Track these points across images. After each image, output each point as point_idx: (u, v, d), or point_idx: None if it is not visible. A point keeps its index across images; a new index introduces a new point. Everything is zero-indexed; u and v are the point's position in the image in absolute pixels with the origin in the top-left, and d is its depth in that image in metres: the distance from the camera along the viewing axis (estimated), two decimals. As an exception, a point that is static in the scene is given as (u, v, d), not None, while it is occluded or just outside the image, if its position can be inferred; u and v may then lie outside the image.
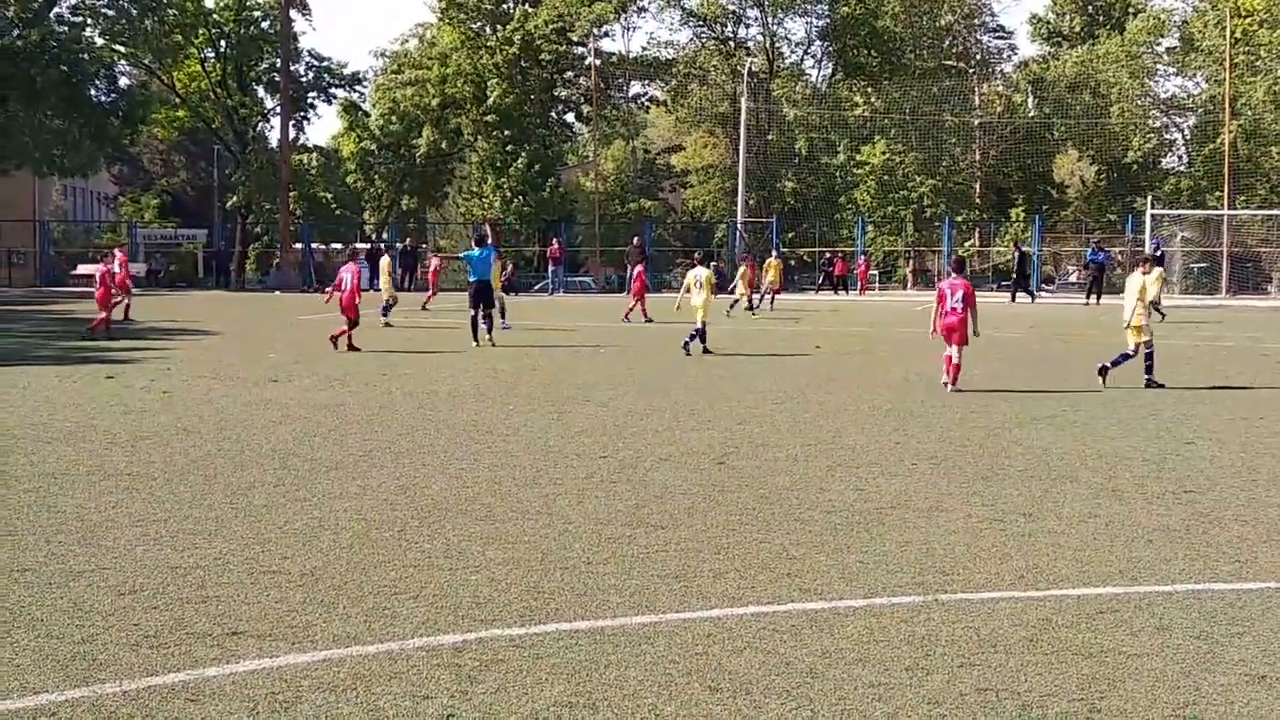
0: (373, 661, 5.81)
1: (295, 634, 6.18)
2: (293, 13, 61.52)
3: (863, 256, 59.19)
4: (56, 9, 57.32)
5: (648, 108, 77.14)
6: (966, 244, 66.55)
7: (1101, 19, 71.41)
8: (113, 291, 26.86)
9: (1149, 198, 53.49)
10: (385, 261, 31.45)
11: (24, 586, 6.96)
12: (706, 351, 22.02)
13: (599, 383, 17.60)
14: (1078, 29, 71.86)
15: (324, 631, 6.23)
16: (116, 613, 6.48)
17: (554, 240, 55.28)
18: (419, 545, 8.00)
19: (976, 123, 68.47)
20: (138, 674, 5.59)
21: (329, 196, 68.58)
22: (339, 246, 68.48)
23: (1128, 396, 16.35)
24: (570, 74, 69.26)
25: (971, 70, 71.24)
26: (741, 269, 37.18)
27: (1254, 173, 62.97)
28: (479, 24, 67.60)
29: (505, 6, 67.73)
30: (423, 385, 17.02)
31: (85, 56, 55.64)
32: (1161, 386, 16.90)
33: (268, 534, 8.24)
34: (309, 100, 68.64)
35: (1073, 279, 65.36)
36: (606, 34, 69.37)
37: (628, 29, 78.88)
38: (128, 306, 30.20)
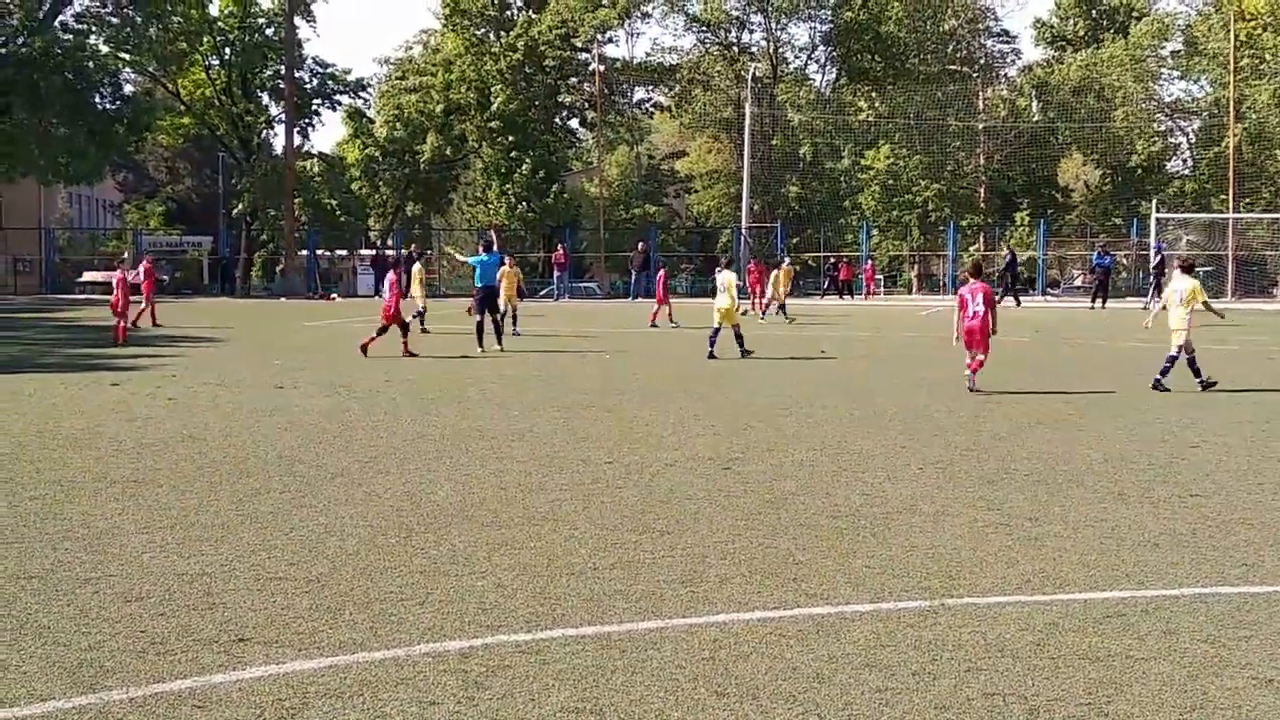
0: (379, 668, 5.81)
1: (302, 640, 6.18)
2: (297, 19, 61.62)
3: (870, 261, 59.14)
4: (61, 17, 57.47)
5: (652, 113, 77.26)
6: (971, 248, 66.53)
7: (1105, 23, 71.45)
8: (129, 298, 27.04)
9: (1154, 201, 53.49)
10: (418, 268, 31.27)
11: (30, 593, 6.96)
12: (746, 354, 22.10)
13: (604, 388, 17.60)
14: (1082, 33, 71.90)
15: (330, 638, 6.23)
16: (123, 619, 6.48)
17: (559, 246, 55.34)
18: (425, 551, 8.00)
19: (981, 127, 68.45)
20: (144, 681, 5.59)
21: (334, 203, 68.70)
22: (344, 253, 68.68)
23: (1134, 401, 16.33)
24: (574, 80, 69.37)
25: (975, 75, 71.23)
26: (775, 273, 36.94)
27: (1258, 176, 62.95)
28: (483, 30, 67.76)
29: (509, 13, 67.87)
30: (428, 391, 17.03)
31: (90, 64, 55.76)
32: (1167, 390, 16.86)
33: (274, 540, 8.25)
34: (313, 107, 68.75)
35: (1078, 283, 65.33)
36: (610, 40, 69.57)
37: (631, 35, 79.44)
38: (154, 312, 31.85)
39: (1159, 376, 17.09)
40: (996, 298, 17.37)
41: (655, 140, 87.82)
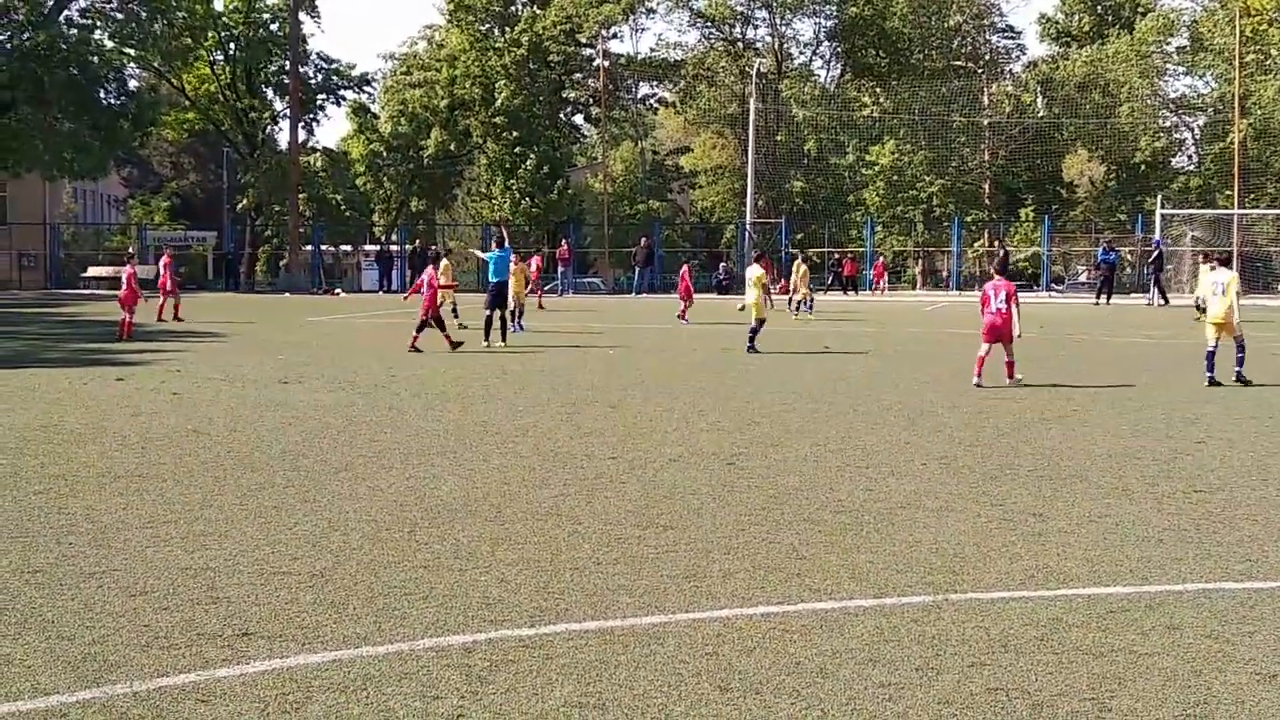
0: (382, 662, 5.82)
1: (305, 635, 6.19)
2: (301, 15, 61.59)
3: (879, 258, 58.98)
4: (66, 12, 57.46)
5: (656, 109, 77.20)
6: (976, 244, 66.49)
7: (1110, 19, 71.34)
8: (138, 293, 27.04)
9: (1159, 197, 53.39)
10: (445, 264, 31.16)
11: (35, 587, 6.98)
12: (752, 350, 22.16)
13: (609, 384, 17.60)
14: (1087, 29, 71.77)
15: (334, 632, 6.24)
16: (127, 614, 6.50)
17: (563, 241, 55.29)
18: (428, 546, 8.01)
19: (985, 123, 68.38)
20: (148, 675, 5.61)
21: (338, 199, 68.72)
22: (348, 248, 68.71)
23: (1138, 396, 16.32)
24: (579, 75, 69.34)
25: (980, 70, 71.14)
26: (802, 269, 36.30)
27: (1264, 172, 62.84)
28: (487, 26, 67.75)
29: (513, 8, 67.84)
30: (432, 386, 17.04)
31: (95, 59, 55.73)
32: (1249, 383, 17.17)
33: (278, 535, 8.26)
34: (318, 102, 68.76)
35: (1082, 279, 65.24)
36: (615, 35, 69.54)
37: (636, 30, 79.19)
38: (176, 306, 31.76)
39: (1237, 368, 17.36)
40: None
41: (659, 136, 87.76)
